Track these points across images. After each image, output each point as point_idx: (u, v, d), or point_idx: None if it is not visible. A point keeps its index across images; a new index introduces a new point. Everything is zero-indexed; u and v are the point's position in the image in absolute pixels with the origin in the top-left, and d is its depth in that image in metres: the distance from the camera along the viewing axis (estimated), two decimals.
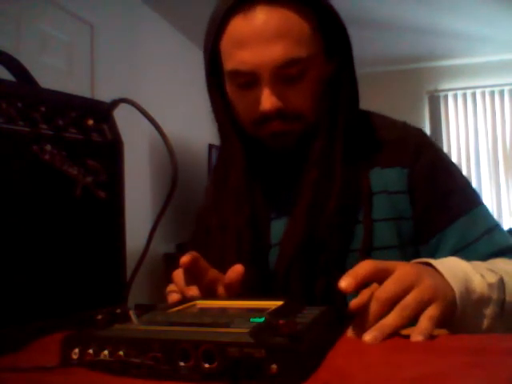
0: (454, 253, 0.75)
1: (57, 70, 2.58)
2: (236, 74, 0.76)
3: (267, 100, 0.74)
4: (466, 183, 0.83)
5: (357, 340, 0.53)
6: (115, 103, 0.79)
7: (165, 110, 3.14)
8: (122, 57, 3.14)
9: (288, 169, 0.82)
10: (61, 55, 2.66)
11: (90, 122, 0.73)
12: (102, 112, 0.77)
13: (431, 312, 0.53)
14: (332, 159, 0.77)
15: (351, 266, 0.58)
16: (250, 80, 0.75)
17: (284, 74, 0.74)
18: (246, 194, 0.81)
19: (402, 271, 0.56)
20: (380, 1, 3.54)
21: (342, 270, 0.72)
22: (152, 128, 0.78)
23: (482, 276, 0.63)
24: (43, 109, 0.67)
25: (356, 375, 0.42)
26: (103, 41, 2.96)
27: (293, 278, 0.77)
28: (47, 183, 0.66)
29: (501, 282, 0.65)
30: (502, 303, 0.64)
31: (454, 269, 0.62)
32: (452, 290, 0.58)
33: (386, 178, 0.79)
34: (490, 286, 0.63)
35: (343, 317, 0.61)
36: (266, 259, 0.80)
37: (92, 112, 0.75)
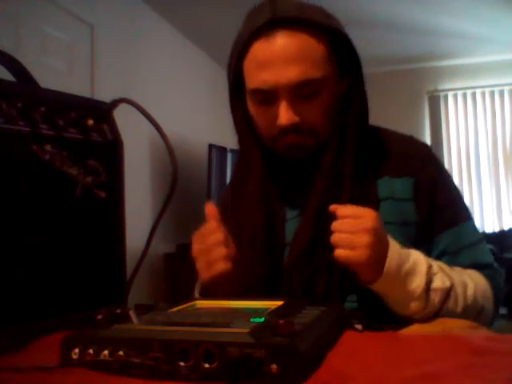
0: (441, 255, 0.84)
1: (57, 70, 2.57)
2: (257, 92, 0.83)
3: (284, 115, 0.80)
4: (460, 198, 0.92)
5: (357, 340, 0.54)
6: (115, 103, 0.79)
7: (165, 110, 3.14)
8: (122, 57, 3.13)
9: (302, 176, 0.88)
10: (61, 55, 2.65)
11: (90, 122, 0.73)
12: (102, 112, 0.77)
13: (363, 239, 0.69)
14: (341, 172, 0.83)
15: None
16: (269, 97, 0.82)
17: (300, 93, 0.80)
18: (262, 198, 0.88)
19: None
20: (380, 1, 3.53)
21: (344, 271, 0.75)
22: (152, 128, 0.78)
23: (431, 279, 0.74)
24: (43, 109, 0.67)
25: (356, 375, 0.42)
26: (103, 41, 2.95)
27: (295, 276, 0.81)
28: (47, 183, 0.66)
29: (448, 291, 0.75)
30: (437, 309, 0.74)
31: (405, 256, 0.74)
32: (385, 258, 0.71)
33: (393, 187, 0.86)
34: (433, 290, 0.73)
35: (343, 317, 0.61)
36: (279, 257, 0.86)
37: (92, 112, 0.75)
